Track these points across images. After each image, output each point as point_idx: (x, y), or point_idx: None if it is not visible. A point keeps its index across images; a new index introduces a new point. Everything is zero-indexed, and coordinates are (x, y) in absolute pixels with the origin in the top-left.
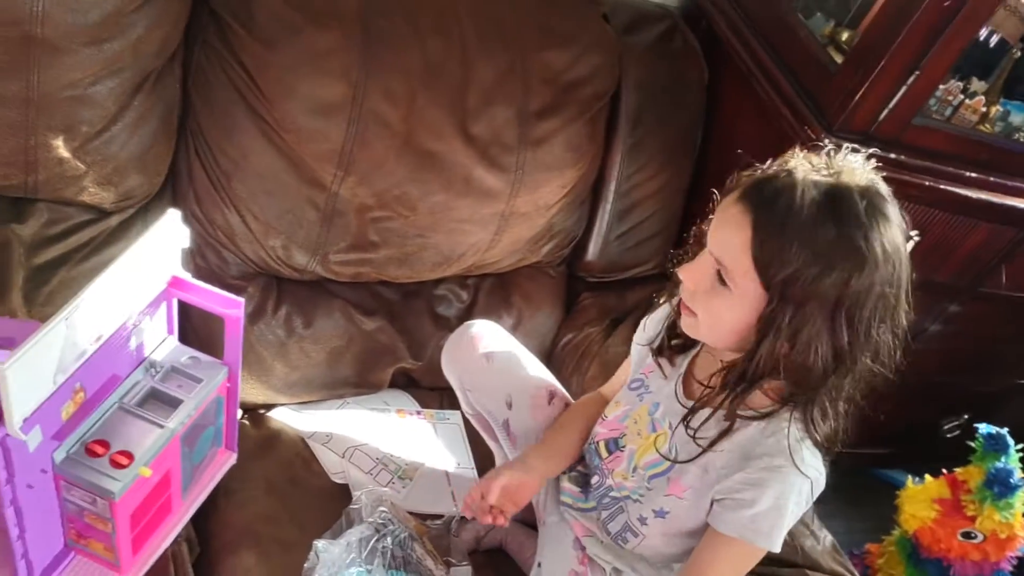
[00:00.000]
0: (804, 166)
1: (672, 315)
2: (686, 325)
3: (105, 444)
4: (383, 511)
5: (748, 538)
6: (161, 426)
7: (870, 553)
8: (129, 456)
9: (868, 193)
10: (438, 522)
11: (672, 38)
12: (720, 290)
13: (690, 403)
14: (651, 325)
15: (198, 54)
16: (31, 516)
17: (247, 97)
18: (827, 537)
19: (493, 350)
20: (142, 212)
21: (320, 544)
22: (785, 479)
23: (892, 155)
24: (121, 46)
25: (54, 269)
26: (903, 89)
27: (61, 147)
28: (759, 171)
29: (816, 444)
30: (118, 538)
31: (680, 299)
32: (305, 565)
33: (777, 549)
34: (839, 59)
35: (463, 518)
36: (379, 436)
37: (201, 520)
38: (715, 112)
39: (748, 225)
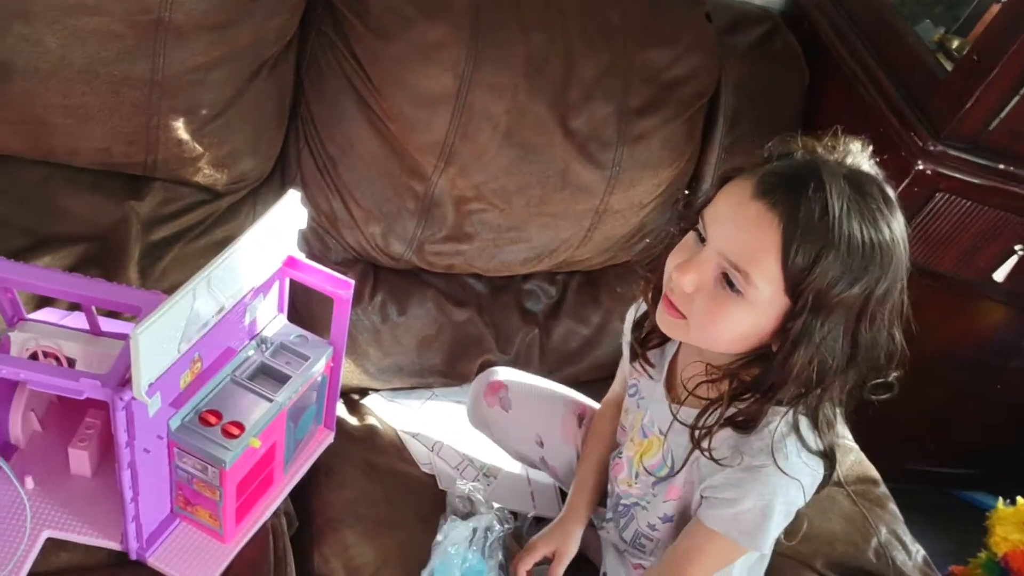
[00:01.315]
0: (819, 149)
1: (640, 312)
2: (668, 326)
3: (218, 414)
4: (501, 507)
5: (732, 536)
6: (270, 400)
7: (954, 575)
8: (240, 427)
9: (878, 178)
10: (516, 522)
11: (773, 40)
12: (726, 294)
13: (675, 407)
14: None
15: (313, 43)
16: (145, 480)
17: (357, 87)
18: (919, 552)
19: (507, 397)
20: (252, 195)
21: (451, 520)
22: (767, 480)
23: (1001, 166)
24: (242, 32)
25: (168, 246)
26: (1016, 98)
27: (181, 128)
28: (768, 156)
29: (813, 448)
30: (224, 507)
31: (663, 295)
32: (436, 539)
33: (763, 550)
34: (949, 66)
35: (537, 519)
36: (465, 431)
37: (299, 497)
38: (815, 116)
39: (776, 228)
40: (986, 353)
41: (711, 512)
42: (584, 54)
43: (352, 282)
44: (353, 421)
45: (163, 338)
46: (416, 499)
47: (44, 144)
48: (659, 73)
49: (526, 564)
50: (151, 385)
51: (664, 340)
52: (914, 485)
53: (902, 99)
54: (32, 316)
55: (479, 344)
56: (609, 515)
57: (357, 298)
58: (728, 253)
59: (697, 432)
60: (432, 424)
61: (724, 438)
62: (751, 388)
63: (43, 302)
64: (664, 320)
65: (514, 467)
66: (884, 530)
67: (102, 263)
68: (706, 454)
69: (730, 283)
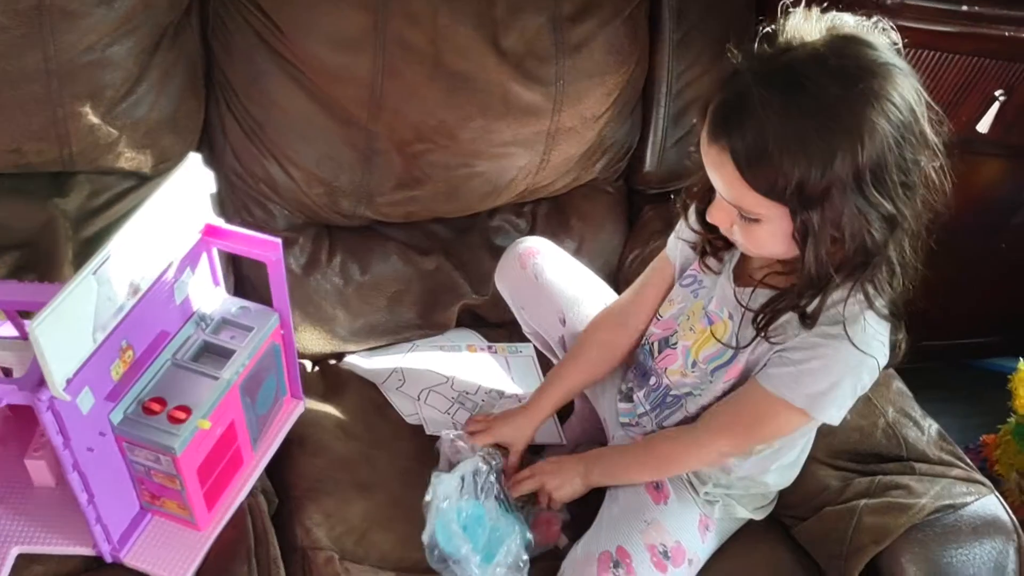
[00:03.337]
0: (751, 63)
1: (689, 213)
2: (743, 250)
3: (162, 401)
4: (485, 447)
5: (789, 397)
6: (216, 378)
7: (986, 445)
8: (187, 410)
9: (840, 49)
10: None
11: None
12: (749, 223)
13: (745, 291)
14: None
15: (213, 1)
16: (97, 480)
17: (267, 39)
18: (932, 426)
19: (542, 267)
20: None
21: (435, 477)
22: (838, 349)
23: (964, 7)
24: (132, 2)
25: (103, 239)
26: None
27: (90, 114)
28: (718, 88)
29: (883, 312)
30: (189, 494)
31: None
32: (425, 499)
33: (823, 419)
34: None
35: (541, 448)
36: (453, 374)
37: (277, 472)
38: None
39: (731, 163)
40: (985, 213)
41: (770, 371)
42: None
43: (279, 241)
44: (328, 385)
45: (70, 329)
46: (399, 454)
47: None
48: None
49: (479, 439)
50: (72, 381)
51: (724, 245)
52: (933, 363)
53: None
54: None
55: (452, 290)
56: (641, 409)
57: (314, 263)
58: (724, 195)
59: (761, 315)
60: (418, 371)
61: (790, 322)
62: (808, 284)
63: None
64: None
65: (507, 400)
66: (891, 410)
67: (35, 268)
68: (762, 335)
69: (744, 215)
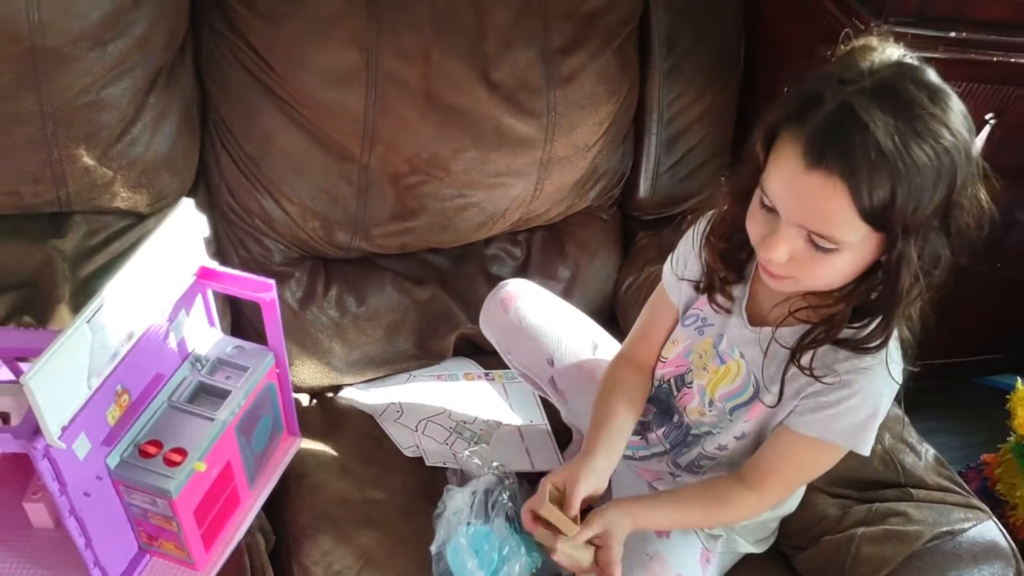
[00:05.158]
0: (842, 81)
1: (707, 250)
2: (780, 286)
3: (158, 444)
4: (499, 464)
5: (830, 439)
6: (211, 419)
7: (987, 464)
8: (182, 453)
9: (913, 73)
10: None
11: None
12: (822, 253)
13: (758, 330)
14: (692, 261)
15: (207, 41)
16: (95, 524)
17: (260, 78)
18: (929, 451)
19: (525, 311)
20: None
21: (447, 490)
22: (874, 380)
23: (953, 34)
24: (126, 44)
25: (100, 279)
26: None
27: (85, 156)
28: (798, 111)
29: (903, 342)
30: (186, 535)
31: (761, 266)
32: (436, 510)
33: (865, 452)
34: None
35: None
36: (450, 404)
37: (275, 509)
38: (756, 20)
39: (843, 191)
40: (981, 232)
41: (806, 417)
42: (494, 1)
43: (272, 282)
44: (325, 421)
45: (64, 378)
46: (397, 488)
47: None
48: (578, 6)
49: (534, 503)
50: (67, 428)
51: (735, 280)
52: (935, 381)
53: None
54: None
55: (448, 320)
56: (660, 449)
57: (310, 296)
58: (806, 224)
59: (799, 350)
60: (415, 403)
61: (819, 355)
62: (869, 311)
63: None
64: (773, 283)
65: (505, 428)
66: (888, 436)
67: (33, 310)
68: (805, 371)
69: (818, 245)
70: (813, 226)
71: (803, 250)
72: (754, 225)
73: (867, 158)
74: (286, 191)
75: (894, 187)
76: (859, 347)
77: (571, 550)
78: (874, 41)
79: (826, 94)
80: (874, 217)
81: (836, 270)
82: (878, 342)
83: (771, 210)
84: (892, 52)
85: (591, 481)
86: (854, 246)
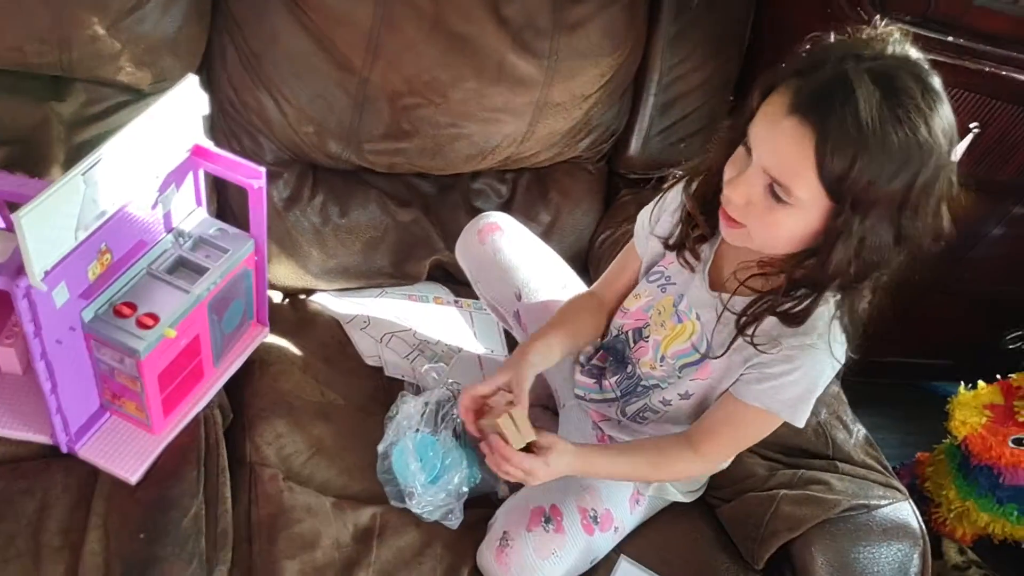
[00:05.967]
0: (849, 55)
1: (684, 209)
2: (731, 236)
3: (132, 306)
4: (454, 382)
5: (772, 408)
6: (187, 292)
7: (920, 462)
8: (155, 318)
9: (917, 70)
10: None
11: None
12: (776, 204)
13: (716, 294)
14: (664, 218)
15: None
16: (62, 372)
17: None
18: (860, 431)
19: (501, 244)
20: None
21: (402, 396)
22: (816, 357)
23: (951, 38)
24: None
25: (94, 147)
26: None
27: (94, 23)
28: (800, 69)
29: (847, 328)
30: (148, 397)
31: (721, 209)
32: (388, 413)
33: (799, 424)
34: None
35: None
36: (417, 323)
37: (236, 392)
38: (764, 2)
39: (810, 141)
40: (949, 244)
41: (751, 387)
42: None
43: (263, 170)
44: (295, 318)
45: (54, 224)
46: (354, 390)
47: None
48: None
49: (469, 399)
50: (49, 273)
51: (709, 235)
52: (884, 378)
53: None
54: None
55: (427, 244)
56: (611, 395)
57: (296, 199)
58: (769, 168)
59: (743, 319)
60: (384, 315)
61: (766, 327)
62: (803, 284)
63: None
64: (726, 231)
65: (465, 354)
66: (825, 411)
67: (25, 165)
68: (747, 339)
69: (776, 194)
70: (774, 171)
71: (760, 197)
72: (731, 166)
73: (842, 121)
74: (285, 92)
75: (856, 155)
76: (787, 320)
77: (518, 422)
78: (897, 34)
79: (831, 61)
80: (830, 178)
81: (784, 228)
82: (800, 316)
83: (749, 154)
84: (909, 50)
85: (532, 378)
86: (805, 205)
